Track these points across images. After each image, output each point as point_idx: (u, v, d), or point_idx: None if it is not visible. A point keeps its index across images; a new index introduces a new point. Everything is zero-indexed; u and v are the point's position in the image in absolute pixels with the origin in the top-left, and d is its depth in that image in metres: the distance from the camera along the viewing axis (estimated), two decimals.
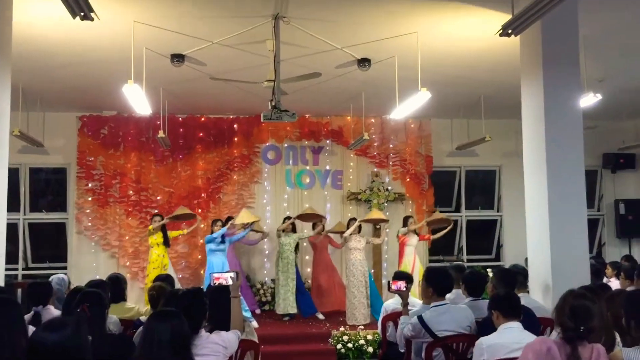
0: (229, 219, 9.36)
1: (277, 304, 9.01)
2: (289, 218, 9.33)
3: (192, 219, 9.33)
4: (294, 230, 9.25)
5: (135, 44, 5.91)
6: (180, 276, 9.60)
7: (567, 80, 5.35)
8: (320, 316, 8.97)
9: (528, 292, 5.20)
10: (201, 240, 9.81)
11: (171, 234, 9.10)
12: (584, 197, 5.36)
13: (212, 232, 8.70)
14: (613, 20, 6.07)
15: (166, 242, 8.91)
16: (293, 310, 8.84)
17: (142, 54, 6.24)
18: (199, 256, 9.96)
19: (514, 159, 8.72)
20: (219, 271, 6.72)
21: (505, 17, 4.74)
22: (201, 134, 10.20)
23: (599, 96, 6.94)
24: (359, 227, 8.93)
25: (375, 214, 9.27)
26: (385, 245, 9.91)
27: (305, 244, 9.69)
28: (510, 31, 4.60)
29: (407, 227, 9.13)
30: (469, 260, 10.88)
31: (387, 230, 9.59)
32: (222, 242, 8.53)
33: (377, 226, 9.74)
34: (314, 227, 9.39)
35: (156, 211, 9.69)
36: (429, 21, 6.04)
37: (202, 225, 9.89)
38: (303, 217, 9.37)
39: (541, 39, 5.30)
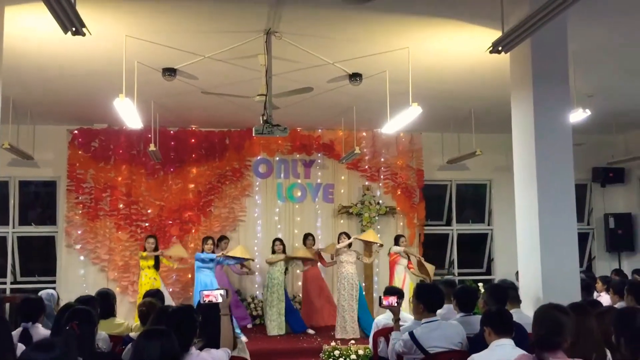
0: (222, 238, 9.36)
1: (267, 326, 8.95)
2: (279, 240, 9.30)
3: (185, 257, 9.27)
4: (284, 251, 9.22)
5: (126, 57, 5.91)
6: (171, 290, 9.53)
7: (556, 96, 5.38)
8: (311, 331, 8.94)
9: (519, 307, 5.19)
10: (190, 260, 9.76)
11: (161, 259, 9.02)
12: (574, 211, 5.38)
13: (202, 250, 8.67)
14: (602, 36, 6.15)
15: (157, 266, 8.86)
16: (281, 331, 8.84)
17: (133, 67, 6.25)
18: (189, 275, 9.88)
19: (505, 173, 8.76)
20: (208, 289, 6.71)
21: (496, 34, 4.79)
22: (192, 147, 10.18)
23: (588, 112, 7.02)
24: (349, 244, 8.94)
25: (371, 236, 9.25)
26: (376, 259, 9.88)
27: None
28: (500, 48, 4.64)
29: (399, 246, 9.14)
30: (459, 274, 10.90)
31: (378, 252, 9.54)
32: (211, 260, 8.52)
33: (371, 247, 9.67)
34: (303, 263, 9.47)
35: (145, 224, 9.66)
36: (420, 37, 6.08)
37: (191, 244, 9.89)
38: (297, 258, 9.47)
39: (531, 56, 5.34)
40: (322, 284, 9.46)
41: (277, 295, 8.88)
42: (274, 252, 9.19)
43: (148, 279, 8.66)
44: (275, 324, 8.82)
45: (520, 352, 3.37)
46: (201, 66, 6.59)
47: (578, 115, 6.90)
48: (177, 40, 6.00)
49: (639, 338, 2.96)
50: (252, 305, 9.90)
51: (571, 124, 5.54)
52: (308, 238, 9.63)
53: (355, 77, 7.03)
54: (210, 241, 8.74)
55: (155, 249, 8.83)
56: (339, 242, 8.97)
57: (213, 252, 8.72)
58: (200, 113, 9.24)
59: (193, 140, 10.20)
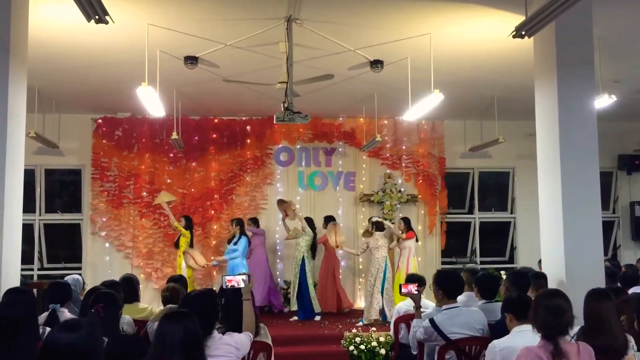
0: (254, 220, 9.58)
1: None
2: (309, 219, 9.35)
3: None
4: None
5: (149, 46, 5.95)
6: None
7: (581, 82, 5.30)
8: (317, 318, 9.02)
9: None
10: (214, 242, 9.95)
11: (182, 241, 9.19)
12: (599, 199, 5.31)
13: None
14: (628, 21, 6.03)
15: (176, 244, 9.07)
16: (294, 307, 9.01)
17: (155, 56, 6.29)
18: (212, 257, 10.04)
19: (528, 160, 8.66)
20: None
21: (519, 19, 4.72)
22: (214, 136, 10.25)
23: (614, 97, 6.89)
24: (377, 227, 8.91)
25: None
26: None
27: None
28: (523, 33, 4.57)
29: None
30: (482, 263, 10.84)
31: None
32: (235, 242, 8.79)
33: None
34: (325, 226, 9.44)
35: None
36: (442, 23, 6.02)
37: (215, 227, 10.04)
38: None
39: (555, 41, 5.26)
40: (337, 268, 9.58)
41: (294, 273, 9.05)
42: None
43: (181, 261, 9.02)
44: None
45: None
46: (222, 54, 6.61)
47: (604, 101, 6.78)
48: (199, 28, 6.03)
49: None
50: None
51: (596, 110, 5.45)
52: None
53: (376, 64, 6.99)
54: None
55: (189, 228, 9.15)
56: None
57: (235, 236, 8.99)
58: (221, 101, 9.28)
59: (215, 129, 10.26)
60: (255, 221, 9.66)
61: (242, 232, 9.04)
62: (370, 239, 8.80)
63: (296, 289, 9.01)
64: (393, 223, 9.49)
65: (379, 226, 8.86)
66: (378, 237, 8.77)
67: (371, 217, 9.30)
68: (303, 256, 9.06)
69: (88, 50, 6.67)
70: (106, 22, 4.12)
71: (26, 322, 3.02)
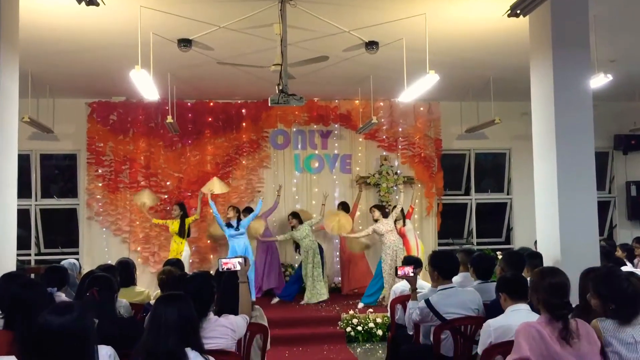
0: (248, 210, 9.50)
1: (307, 296, 8.97)
2: (292, 215, 9.39)
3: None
4: (301, 223, 9.26)
5: (142, 29, 5.89)
6: (190, 261, 9.66)
7: (577, 61, 5.27)
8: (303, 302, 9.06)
9: None
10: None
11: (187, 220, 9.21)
12: (594, 179, 5.31)
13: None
14: (624, 1, 5.98)
15: (181, 233, 9.05)
16: (324, 297, 8.93)
17: (149, 39, 6.24)
18: (208, 241, 10.05)
19: (524, 141, 8.64)
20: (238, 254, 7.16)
21: None
22: (209, 119, 10.21)
23: (610, 77, 6.86)
24: (384, 212, 8.98)
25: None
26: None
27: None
28: (518, 11, 4.55)
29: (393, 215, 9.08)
30: (478, 244, 10.87)
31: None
32: (237, 228, 8.84)
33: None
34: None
35: (164, 196, 9.79)
36: (437, 3, 5.96)
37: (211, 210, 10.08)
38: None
39: (550, 19, 5.23)
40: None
41: (312, 264, 8.97)
42: (292, 228, 9.25)
43: (175, 244, 9.03)
44: (316, 292, 8.93)
45: (535, 316, 3.38)
46: (216, 36, 6.55)
47: (599, 80, 6.76)
48: (192, 10, 5.96)
49: None
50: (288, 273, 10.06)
51: (592, 90, 5.43)
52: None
53: (371, 45, 6.93)
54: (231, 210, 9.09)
55: (183, 216, 9.14)
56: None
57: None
58: (216, 84, 9.22)
59: (210, 112, 10.21)
60: (249, 210, 9.62)
61: (240, 219, 9.09)
62: (379, 225, 8.78)
63: (319, 276, 9.02)
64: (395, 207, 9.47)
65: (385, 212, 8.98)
66: (387, 221, 8.78)
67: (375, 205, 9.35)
68: (319, 244, 9.20)
69: (81, 33, 6.60)
70: (97, 4, 4.09)
71: (41, 302, 3.18)
